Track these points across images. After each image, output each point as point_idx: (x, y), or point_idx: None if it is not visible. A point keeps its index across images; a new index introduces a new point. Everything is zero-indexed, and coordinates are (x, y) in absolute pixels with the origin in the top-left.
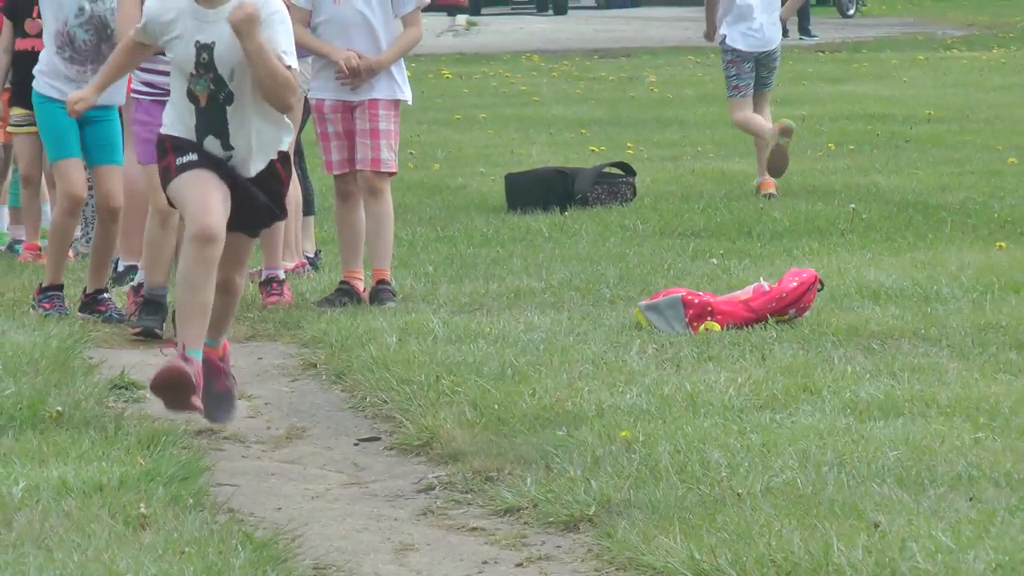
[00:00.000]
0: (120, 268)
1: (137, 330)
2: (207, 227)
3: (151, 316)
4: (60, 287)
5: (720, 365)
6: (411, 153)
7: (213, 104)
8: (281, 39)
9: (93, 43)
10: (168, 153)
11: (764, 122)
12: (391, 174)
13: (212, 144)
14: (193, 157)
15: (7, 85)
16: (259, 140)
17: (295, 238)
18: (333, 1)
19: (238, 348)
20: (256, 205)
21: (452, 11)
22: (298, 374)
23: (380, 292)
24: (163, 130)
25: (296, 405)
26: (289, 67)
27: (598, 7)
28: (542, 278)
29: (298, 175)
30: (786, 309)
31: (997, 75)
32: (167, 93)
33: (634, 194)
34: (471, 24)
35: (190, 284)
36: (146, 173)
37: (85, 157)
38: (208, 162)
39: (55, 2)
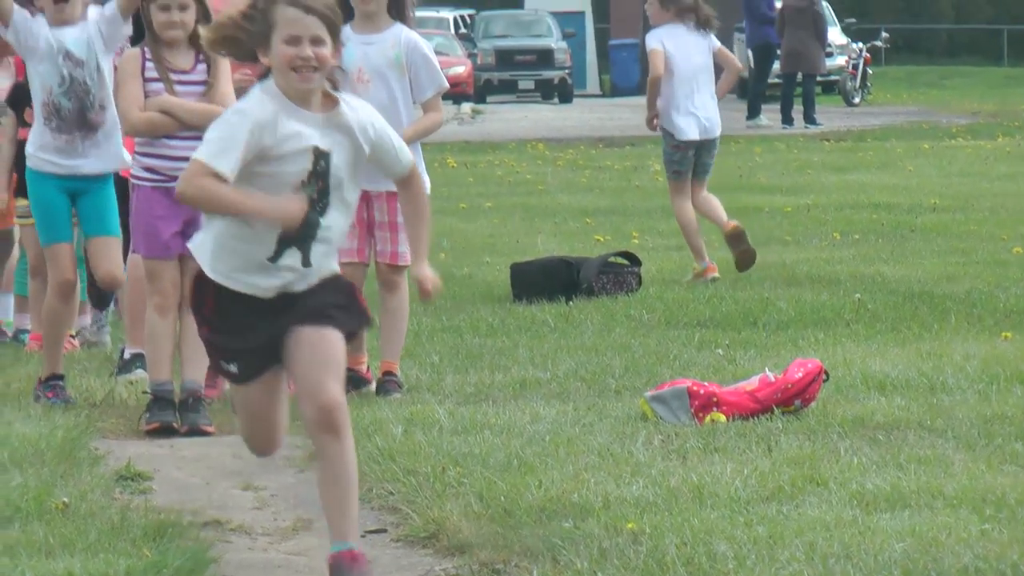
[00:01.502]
0: (126, 356)
1: (154, 425)
2: (263, 454)
3: (164, 411)
4: (61, 376)
5: (726, 456)
6: None
7: (309, 217)
8: (393, 139)
9: (77, 110)
10: (208, 329)
11: (697, 246)
12: (407, 267)
13: (291, 258)
14: (238, 365)
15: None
16: (328, 250)
17: None
18: (351, 90)
19: None
20: (318, 303)
21: (458, 99)
22: (305, 465)
23: (387, 384)
24: (211, 270)
25: (303, 496)
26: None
27: (603, 95)
28: (548, 369)
29: None
30: (792, 400)
31: (1002, 164)
32: (170, 180)
33: (640, 284)
34: (476, 112)
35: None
36: (144, 265)
37: (80, 228)
38: (258, 361)
39: (39, 73)
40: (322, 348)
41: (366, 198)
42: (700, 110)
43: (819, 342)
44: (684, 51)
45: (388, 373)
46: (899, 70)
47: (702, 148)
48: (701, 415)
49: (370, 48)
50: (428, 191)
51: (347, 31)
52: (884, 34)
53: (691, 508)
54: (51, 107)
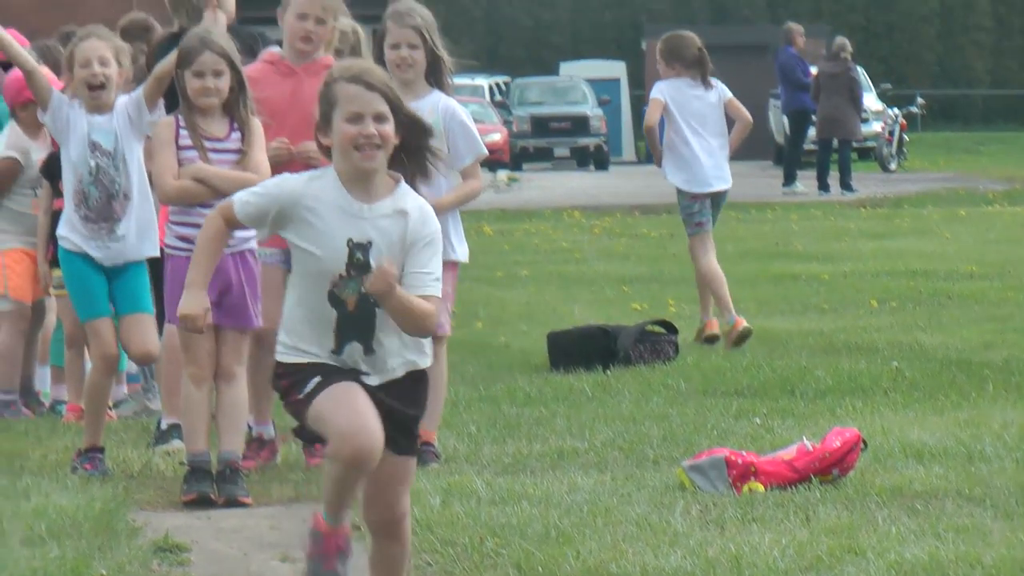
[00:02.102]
0: (163, 426)
1: (191, 497)
2: (359, 448)
3: (201, 482)
4: (101, 448)
5: (764, 526)
6: (453, 312)
7: (363, 308)
8: (431, 265)
9: (103, 201)
10: (290, 390)
11: (726, 298)
12: (446, 337)
13: (353, 350)
14: (319, 379)
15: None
16: (403, 341)
17: None
18: None
19: (282, 510)
20: (399, 414)
21: (493, 167)
22: None
23: (424, 454)
24: (281, 355)
25: None
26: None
27: (639, 162)
28: (585, 438)
29: None
30: (830, 469)
31: None
32: None
33: (677, 352)
34: (512, 180)
35: (341, 494)
36: (179, 335)
37: (114, 308)
38: (340, 375)
39: (71, 160)
40: (398, 471)
41: None
42: (709, 162)
43: (857, 411)
44: (689, 104)
45: (426, 443)
46: (935, 136)
47: (712, 200)
48: (739, 485)
49: None
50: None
51: None
52: (920, 100)
53: None
54: (81, 195)
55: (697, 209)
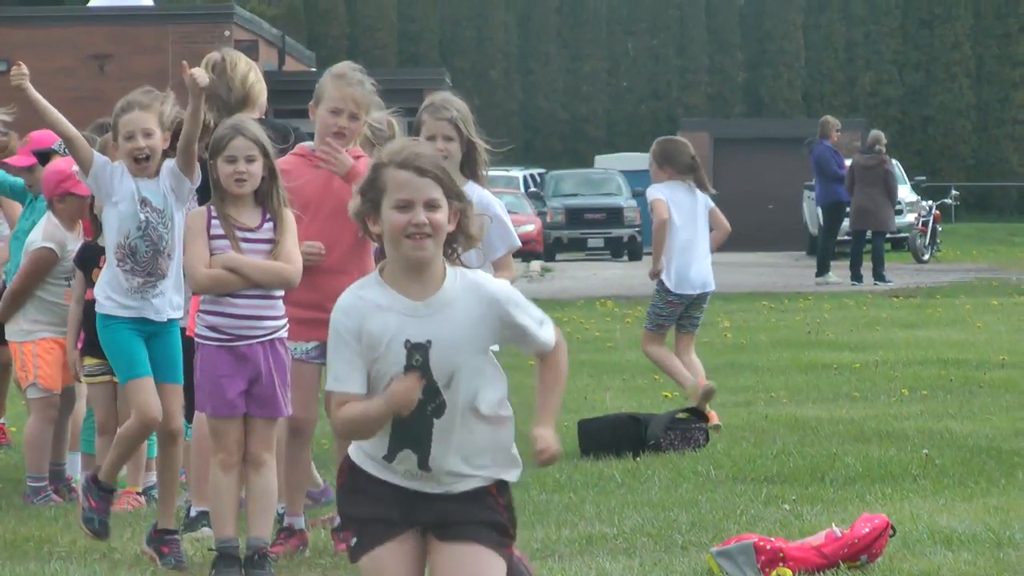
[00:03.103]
0: (193, 513)
1: None
2: None
3: (230, 568)
4: (175, 531)
5: None
6: None
7: (418, 415)
8: (531, 315)
9: (151, 255)
10: (344, 519)
11: (682, 370)
12: None
13: (405, 459)
14: (358, 541)
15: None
16: (467, 457)
17: None
18: None
19: None
20: (462, 520)
21: (527, 257)
22: None
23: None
24: (352, 454)
25: None
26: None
27: None
28: (614, 524)
29: None
30: (858, 555)
31: None
32: (234, 339)
33: (707, 440)
34: (546, 270)
35: None
36: (209, 423)
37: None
38: (386, 532)
39: (118, 215)
40: (470, 565)
41: None
42: (697, 265)
43: (886, 497)
44: (682, 207)
45: None
46: (969, 227)
47: (696, 301)
48: (767, 570)
49: None
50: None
51: None
52: (954, 192)
53: None
54: (126, 249)
55: (667, 313)
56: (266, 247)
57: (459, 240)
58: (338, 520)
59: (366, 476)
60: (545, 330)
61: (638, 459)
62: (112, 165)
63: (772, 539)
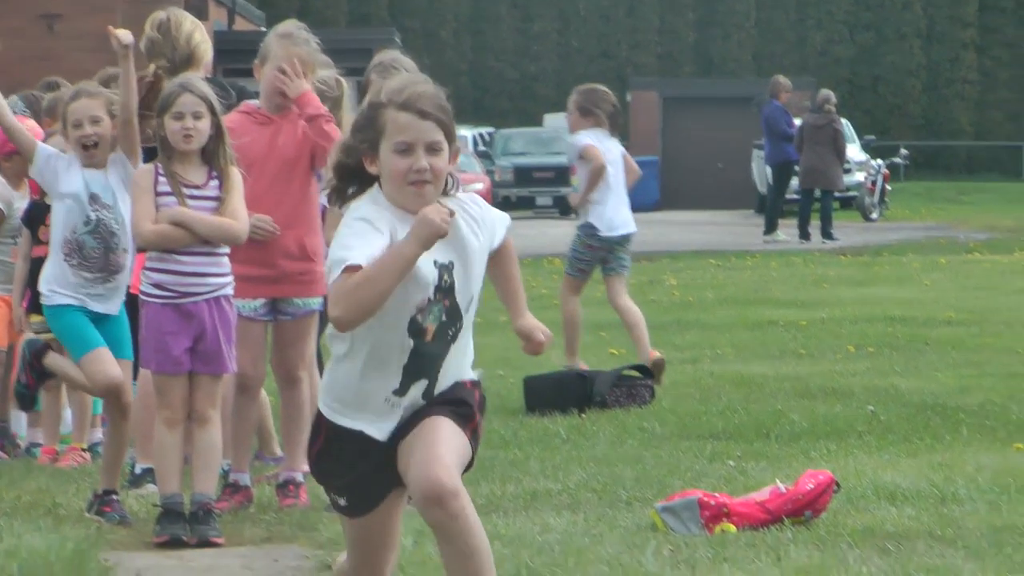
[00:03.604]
0: (138, 471)
1: (163, 538)
2: None
3: (174, 524)
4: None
5: (736, 566)
6: None
7: (440, 339)
8: (497, 218)
9: (101, 251)
10: (321, 475)
11: (576, 340)
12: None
13: (418, 389)
14: (345, 504)
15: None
16: (455, 375)
17: None
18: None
19: (254, 550)
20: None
21: None
22: (317, 575)
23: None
24: (324, 406)
25: None
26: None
27: None
28: (559, 480)
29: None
30: (802, 510)
31: (1019, 278)
32: (180, 296)
33: (653, 396)
34: None
35: None
36: (154, 380)
37: None
38: (368, 501)
39: (64, 209)
40: (433, 433)
41: None
42: (624, 209)
43: (831, 453)
44: (608, 154)
45: (290, 477)
46: (918, 186)
47: (621, 243)
48: (711, 526)
49: None
50: None
51: None
52: (903, 151)
53: None
54: (73, 244)
55: (588, 257)
56: (213, 204)
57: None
58: (283, 477)
59: (339, 435)
60: (501, 219)
61: (584, 416)
62: (59, 157)
63: (716, 495)
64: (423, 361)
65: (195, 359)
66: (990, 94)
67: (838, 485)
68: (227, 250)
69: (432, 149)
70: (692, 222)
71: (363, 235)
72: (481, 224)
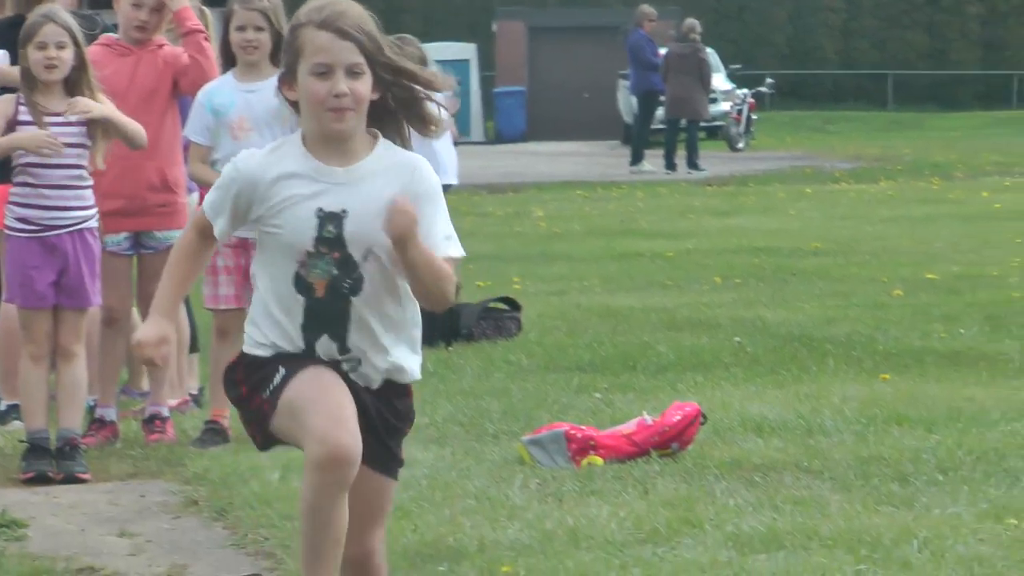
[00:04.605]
0: (2, 407)
1: (29, 475)
2: (337, 448)
3: (40, 460)
4: None
5: (602, 499)
6: None
7: (333, 295)
8: (438, 222)
9: None
10: (251, 392)
11: None
12: None
13: (325, 347)
14: (285, 371)
15: None
16: (387, 337)
17: (179, 375)
18: (232, 139)
19: (120, 486)
20: (380, 422)
21: None
22: (180, 511)
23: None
24: (247, 347)
25: (178, 542)
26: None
27: (488, 142)
28: (426, 414)
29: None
30: (669, 443)
31: (884, 208)
32: (44, 229)
33: (519, 329)
34: None
35: (321, 522)
36: (19, 315)
37: None
38: (312, 362)
39: None
40: (371, 492)
41: (243, 244)
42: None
43: (698, 385)
44: None
45: (214, 420)
46: (784, 115)
47: None
48: (578, 459)
49: (252, 96)
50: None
51: (229, 79)
52: (769, 80)
53: (566, 551)
54: None
55: None
56: (75, 131)
57: (412, 120)
58: (149, 411)
59: (256, 364)
60: (450, 247)
61: (450, 349)
62: None
63: (583, 427)
64: (321, 318)
65: (59, 293)
66: (855, 22)
67: (705, 417)
68: (91, 183)
69: (352, 72)
70: (559, 153)
71: (226, 196)
72: (410, 189)
